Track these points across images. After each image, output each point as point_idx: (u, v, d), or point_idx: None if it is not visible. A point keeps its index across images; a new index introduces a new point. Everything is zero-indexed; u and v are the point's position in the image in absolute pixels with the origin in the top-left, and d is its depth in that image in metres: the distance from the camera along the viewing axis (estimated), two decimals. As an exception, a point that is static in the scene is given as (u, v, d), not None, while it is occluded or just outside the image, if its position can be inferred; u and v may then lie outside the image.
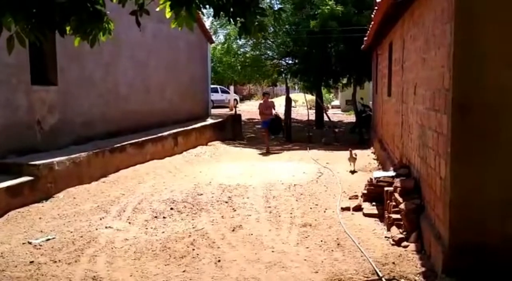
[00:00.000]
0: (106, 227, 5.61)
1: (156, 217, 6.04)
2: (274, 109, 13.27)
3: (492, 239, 3.64)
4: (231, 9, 3.14)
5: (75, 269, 4.38)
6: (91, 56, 9.18)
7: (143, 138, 10.15)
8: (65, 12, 2.90)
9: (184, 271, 4.31)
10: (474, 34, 3.65)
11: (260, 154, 12.37)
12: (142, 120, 11.54)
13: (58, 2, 2.90)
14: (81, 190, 7.44)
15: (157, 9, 3.43)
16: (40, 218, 6.05)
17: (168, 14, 3.39)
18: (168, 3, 3.26)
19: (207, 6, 3.30)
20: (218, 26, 21.94)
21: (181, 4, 3.17)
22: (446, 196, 3.86)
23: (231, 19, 3.23)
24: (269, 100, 13.93)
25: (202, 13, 3.52)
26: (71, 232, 5.45)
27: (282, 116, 14.83)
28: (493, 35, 3.63)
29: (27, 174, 6.76)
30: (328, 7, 16.24)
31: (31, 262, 4.55)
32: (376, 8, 8.17)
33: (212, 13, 3.46)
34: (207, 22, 21.85)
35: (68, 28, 3.18)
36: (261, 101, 14.28)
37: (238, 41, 21.09)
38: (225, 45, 21.28)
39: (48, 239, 5.20)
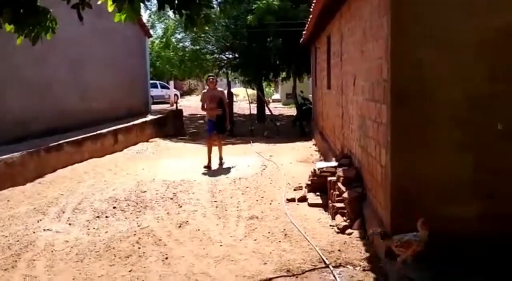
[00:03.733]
0: (44, 230, 5.34)
1: (98, 217, 5.83)
2: (226, 100, 9.46)
3: (432, 222, 3.82)
4: (176, 1, 3.06)
5: (12, 275, 4.14)
6: (19, 53, 8.63)
7: (81, 136, 9.76)
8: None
9: (130, 271, 4.19)
10: (410, 26, 3.80)
11: (203, 172, 8.61)
12: (80, 118, 11.09)
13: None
14: (15, 192, 7.03)
15: (99, 2, 3.29)
16: (-30, 223, 5.67)
17: (110, 8, 3.26)
18: (111, -4, 3.14)
19: (150, -1, 3.20)
20: (156, 19, 21.49)
21: (124, -3, 3.06)
22: (387, 183, 4.01)
23: (176, 11, 3.15)
24: (218, 88, 9.93)
25: (146, 6, 3.40)
26: (6, 236, 5.14)
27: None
28: (428, 26, 3.79)
29: (-46, 177, 6.30)
30: (265, 1, 16.36)
31: (-37, 270, 4.26)
32: (314, 1, 8.31)
33: (153, 6, 3.38)
34: (145, 15, 21.36)
35: (9, 26, 2.99)
36: (204, 90, 9.69)
37: (176, 35, 20.77)
38: (164, 39, 20.88)
39: (-19, 246, 4.87)
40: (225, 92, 10.92)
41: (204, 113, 9.86)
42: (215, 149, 9.24)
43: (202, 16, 3.23)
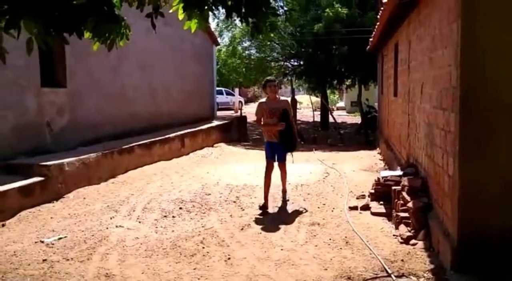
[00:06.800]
0: (116, 226, 5.68)
1: (165, 216, 6.11)
2: (291, 114, 6.82)
3: (500, 235, 3.67)
4: (243, 10, 3.21)
5: (87, 267, 4.44)
6: (97, 59, 9.28)
7: (151, 140, 10.24)
8: (81, 13, 2.97)
9: (195, 269, 4.37)
10: (481, 32, 3.70)
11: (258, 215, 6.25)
12: (149, 122, 11.64)
13: (75, 4, 2.97)
14: (90, 190, 7.52)
15: (170, 11, 3.50)
16: (51, 217, 6.13)
17: (180, 16, 3.46)
18: (181, 5, 3.33)
19: (219, 7, 3.36)
20: (223, 27, 22.06)
21: (193, 5, 3.24)
22: (455, 194, 3.90)
23: (243, 20, 3.29)
24: (281, 97, 6.90)
25: (214, 14, 3.58)
26: (83, 231, 5.52)
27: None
28: (500, 32, 3.67)
29: (38, 175, 6.84)
30: (334, 10, 16.36)
31: (44, 260, 4.62)
32: (382, 9, 8.22)
33: (221, 15, 3.54)
34: (213, 24, 22.01)
35: (87, 33, 3.26)
36: (263, 100, 6.88)
37: (243, 43, 21.21)
38: (230, 47, 21.39)
39: (60, 238, 5.27)
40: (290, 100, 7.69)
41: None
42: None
43: (268, 24, 3.35)
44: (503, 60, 3.70)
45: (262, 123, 6.79)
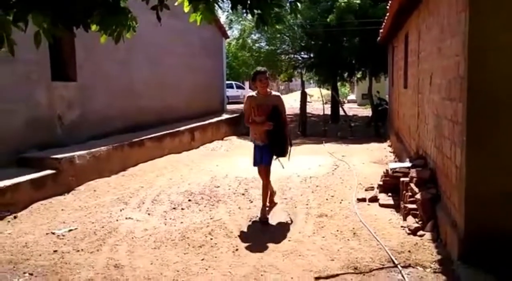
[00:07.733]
0: (126, 218, 5.75)
1: (174, 208, 6.16)
2: (283, 112, 5.81)
3: (508, 226, 3.65)
4: (248, 1, 3.20)
5: (97, 258, 4.51)
6: (106, 53, 9.33)
7: (161, 133, 10.30)
8: (87, 6, 3.00)
9: (203, 259, 4.41)
10: (488, 22, 3.66)
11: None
12: (158, 115, 11.70)
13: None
14: (101, 183, 7.61)
15: (176, 4, 3.50)
16: (62, 209, 6.22)
17: (186, 8, 3.46)
18: (187, -3, 3.34)
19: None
20: (234, 20, 21.98)
21: (199, -3, 3.25)
22: (462, 185, 3.88)
23: (248, 11, 3.29)
24: (273, 92, 5.98)
25: (220, 6, 3.56)
26: (93, 223, 5.60)
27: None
28: (507, 22, 3.63)
29: (49, 168, 6.93)
30: (346, 0, 16.27)
31: (55, 251, 4.70)
32: (391, -1, 8.16)
33: (228, 7, 3.54)
34: (222, 17, 21.98)
35: (94, 26, 3.28)
36: (253, 94, 5.89)
37: (253, 36, 21.14)
38: (240, 40, 21.33)
39: (71, 230, 5.35)
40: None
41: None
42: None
43: (273, 16, 3.35)
44: (503, 57, 3.68)
45: (250, 121, 5.83)
